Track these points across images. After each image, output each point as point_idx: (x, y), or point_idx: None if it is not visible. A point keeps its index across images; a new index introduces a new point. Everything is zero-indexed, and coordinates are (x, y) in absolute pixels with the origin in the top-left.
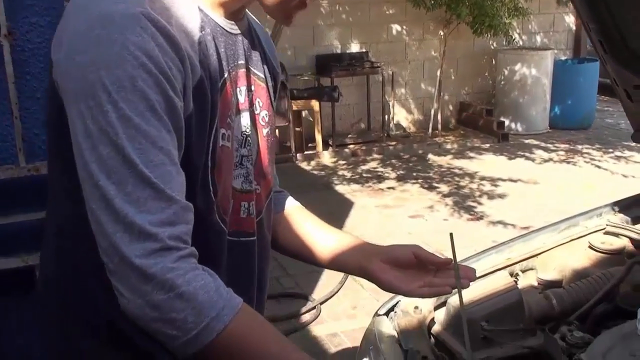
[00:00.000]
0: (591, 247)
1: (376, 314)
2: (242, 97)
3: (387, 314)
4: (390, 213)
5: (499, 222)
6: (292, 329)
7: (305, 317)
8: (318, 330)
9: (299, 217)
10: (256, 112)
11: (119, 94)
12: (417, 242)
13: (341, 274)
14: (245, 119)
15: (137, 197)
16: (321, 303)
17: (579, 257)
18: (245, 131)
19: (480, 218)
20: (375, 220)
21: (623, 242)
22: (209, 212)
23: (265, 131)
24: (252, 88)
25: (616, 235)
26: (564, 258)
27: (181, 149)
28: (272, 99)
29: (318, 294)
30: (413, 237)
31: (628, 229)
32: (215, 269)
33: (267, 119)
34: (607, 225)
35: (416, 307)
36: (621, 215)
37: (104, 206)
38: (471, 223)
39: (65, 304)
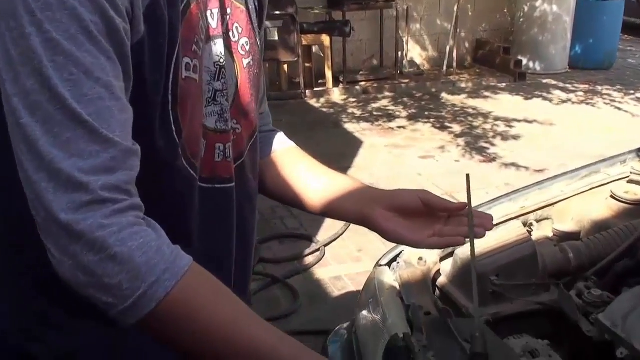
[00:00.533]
0: (613, 197)
1: (377, 264)
2: (215, 22)
3: (389, 264)
4: (400, 153)
5: (512, 165)
6: (295, 271)
7: (309, 259)
8: (321, 273)
9: (291, 158)
10: (233, 40)
11: (44, 14)
12: (427, 184)
13: None
14: (218, 47)
15: (67, 138)
16: (325, 245)
17: (600, 208)
18: (219, 61)
19: (493, 160)
20: (384, 160)
21: None
22: (172, 156)
23: (246, 62)
24: (229, 11)
25: None
26: (583, 208)
27: (129, 80)
28: (256, 24)
29: (323, 235)
30: (423, 179)
31: None
32: (185, 221)
33: (248, 48)
34: (631, 173)
35: (420, 258)
36: None
37: (27, 149)
38: (483, 165)
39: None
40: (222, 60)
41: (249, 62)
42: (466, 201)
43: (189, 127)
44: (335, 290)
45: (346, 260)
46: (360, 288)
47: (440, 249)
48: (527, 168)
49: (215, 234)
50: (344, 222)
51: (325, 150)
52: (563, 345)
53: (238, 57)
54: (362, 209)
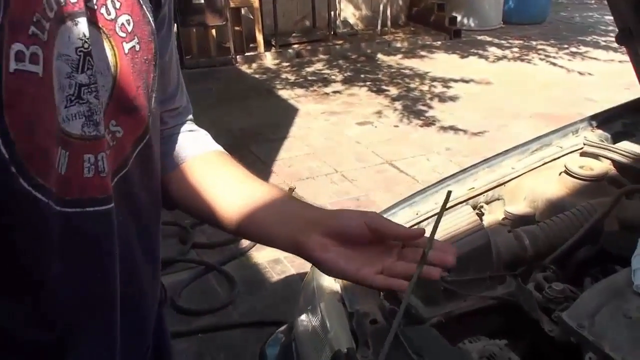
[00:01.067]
0: (567, 173)
1: None
2: None
3: None
4: (337, 120)
5: (451, 128)
6: (231, 256)
7: (245, 243)
8: (259, 256)
9: (211, 165)
10: (107, 17)
11: None
12: (367, 153)
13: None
14: (80, 28)
15: None
16: None
17: (554, 185)
18: (83, 47)
19: (431, 123)
20: (321, 128)
21: (604, 166)
22: (2, 178)
23: (128, 46)
24: None
25: (595, 157)
26: (536, 186)
27: None
28: None
29: None
30: (362, 147)
31: (609, 149)
32: (37, 263)
33: (131, 28)
34: (584, 144)
35: None
36: (600, 131)
37: None
38: (422, 129)
39: None
40: (86, 46)
41: (133, 47)
42: (427, 227)
43: (29, 136)
44: (275, 274)
45: None
46: (301, 271)
47: (387, 290)
48: (465, 131)
49: (87, 274)
50: None
51: (259, 120)
52: (522, 343)
53: (116, 40)
54: (295, 235)
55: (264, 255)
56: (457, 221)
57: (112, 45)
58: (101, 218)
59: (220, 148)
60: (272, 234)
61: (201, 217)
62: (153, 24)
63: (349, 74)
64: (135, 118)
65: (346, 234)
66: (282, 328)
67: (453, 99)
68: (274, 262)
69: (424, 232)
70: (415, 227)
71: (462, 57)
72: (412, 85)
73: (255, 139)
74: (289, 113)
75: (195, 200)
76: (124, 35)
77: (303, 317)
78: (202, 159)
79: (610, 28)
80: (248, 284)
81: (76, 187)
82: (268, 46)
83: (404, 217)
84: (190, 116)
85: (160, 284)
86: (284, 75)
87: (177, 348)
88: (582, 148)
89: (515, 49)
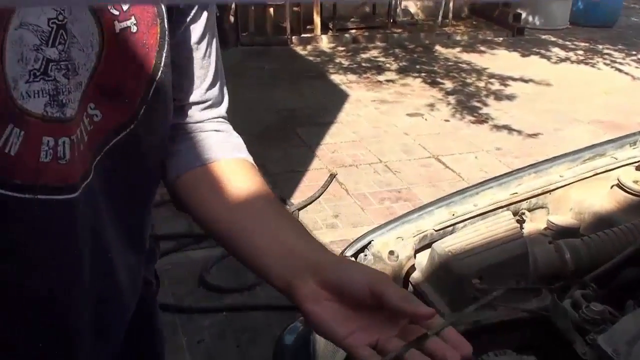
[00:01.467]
0: (620, 186)
1: (342, 255)
2: None
3: (355, 256)
4: (387, 109)
5: (505, 127)
6: None
7: None
8: None
9: (230, 172)
10: None
11: None
12: (414, 145)
13: (326, 176)
14: None
15: None
16: (299, 209)
17: (604, 198)
18: (57, 19)
19: (484, 121)
20: (370, 116)
21: None
22: None
23: (120, 26)
24: None
25: None
26: (584, 197)
27: None
28: None
29: (298, 197)
30: (409, 139)
31: None
32: None
33: (127, 6)
34: None
35: (392, 252)
36: None
37: None
38: (474, 126)
39: None
40: (61, 18)
41: (128, 27)
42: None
43: None
44: None
45: (320, 227)
46: None
47: None
48: (520, 132)
49: (38, 267)
50: (321, 184)
51: (308, 103)
52: None
53: (105, 17)
54: (290, 275)
55: None
56: (495, 226)
57: (99, 22)
58: (60, 207)
59: (246, 156)
60: (266, 265)
61: (198, 221)
62: (163, 7)
63: (404, 63)
64: (119, 104)
65: (345, 292)
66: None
67: (510, 97)
68: None
69: (434, 314)
70: (451, 232)
71: (524, 55)
72: (468, 80)
73: (302, 121)
74: (339, 98)
75: (202, 207)
76: (116, 13)
77: None
78: (227, 164)
79: None
80: None
81: (30, 171)
82: (325, 29)
83: (439, 217)
84: (223, 112)
85: (153, 272)
86: (338, 60)
87: (201, 324)
88: (639, 161)
89: (580, 52)
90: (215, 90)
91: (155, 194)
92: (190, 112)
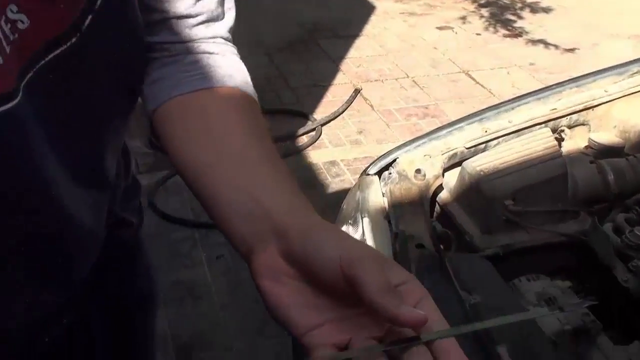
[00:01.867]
0: None
1: (365, 173)
2: None
3: (379, 173)
4: (416, 22)
5: (540, 41)
6: (287, 152)
7: (303, 140)
8: (316, 155)
9: (203, 107)
10: None
11: None
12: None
13: (350, 91)
14: None
15: None
16: (323, 124)
17: None
18: None
19: (518, 35)
20: (397, 28)
21: None
22: None
23: None
24: None
25: None
26: (630, 114)
27: None
28: None
29: (321, 113)
30: (438, 53)
31: None
32: None
33: None
34: None
35: (418, 171)
36: None
37: None
38: (507, 40)
39: None
40: None
41: None
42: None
43: None
44: (329, 176)
45: (344, 143)
46: (357, 176)
47: None
48: (556, 46)
49: None
50: (345, 99)
51: (333, 14)
52: (587, 289)
53: None
54: (250, 242)
55: (320, 155)
56: (532, 144)
57: None
58: None
59: (240, 85)
60: (231, 225)
61: (172, 164)
62: None
63: None
64: (53, 9)
65: (313, 270)
66: None
67: (546, 10)
68: (330, 163)
69: (424, 322)
70: (483, 150)
71: None
72: None
73: (325, 33)
74: (365, 10)
75: (172, 146)
76: None
77: (343, 229)
78: (206, 97)
79: None
80: (300, 183)
81: None
82: None
83: (470, 134)
84: (223, 32)
85: (136, 210)
86: None
87: (219, 240)
88: None
89: None
90: (210, 2)
91: (124, 126)
92: (176, 29)
